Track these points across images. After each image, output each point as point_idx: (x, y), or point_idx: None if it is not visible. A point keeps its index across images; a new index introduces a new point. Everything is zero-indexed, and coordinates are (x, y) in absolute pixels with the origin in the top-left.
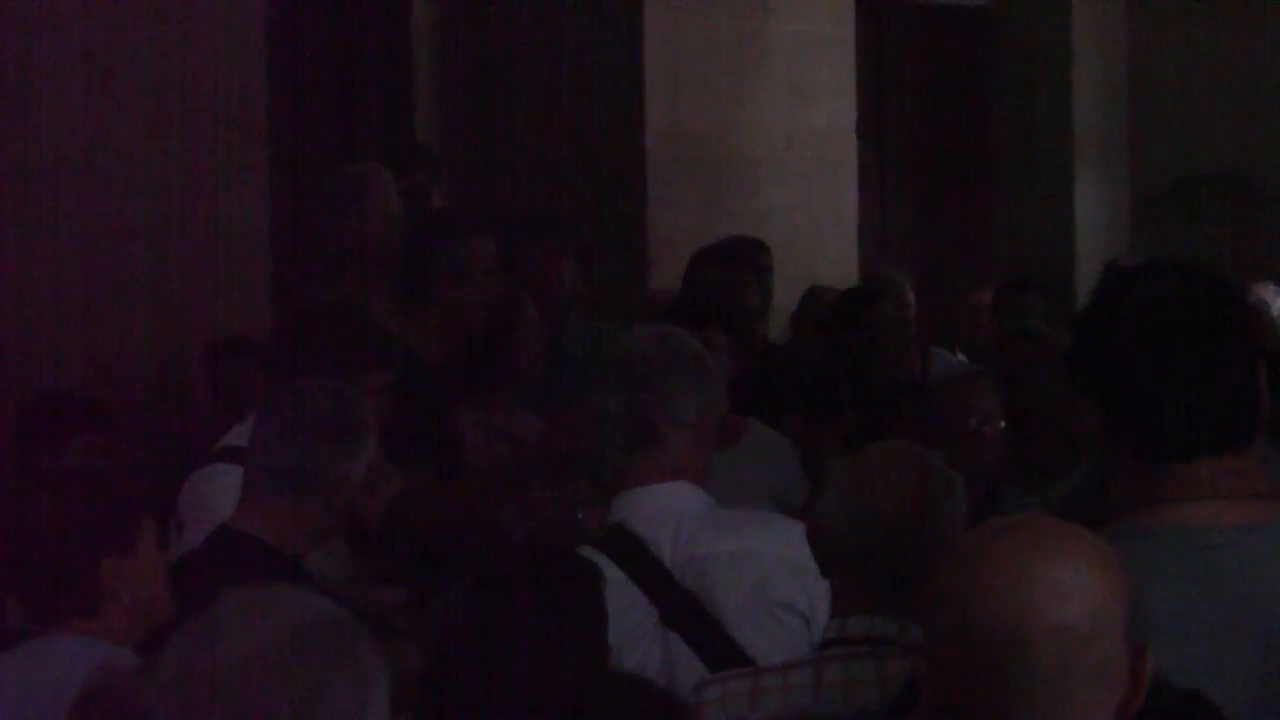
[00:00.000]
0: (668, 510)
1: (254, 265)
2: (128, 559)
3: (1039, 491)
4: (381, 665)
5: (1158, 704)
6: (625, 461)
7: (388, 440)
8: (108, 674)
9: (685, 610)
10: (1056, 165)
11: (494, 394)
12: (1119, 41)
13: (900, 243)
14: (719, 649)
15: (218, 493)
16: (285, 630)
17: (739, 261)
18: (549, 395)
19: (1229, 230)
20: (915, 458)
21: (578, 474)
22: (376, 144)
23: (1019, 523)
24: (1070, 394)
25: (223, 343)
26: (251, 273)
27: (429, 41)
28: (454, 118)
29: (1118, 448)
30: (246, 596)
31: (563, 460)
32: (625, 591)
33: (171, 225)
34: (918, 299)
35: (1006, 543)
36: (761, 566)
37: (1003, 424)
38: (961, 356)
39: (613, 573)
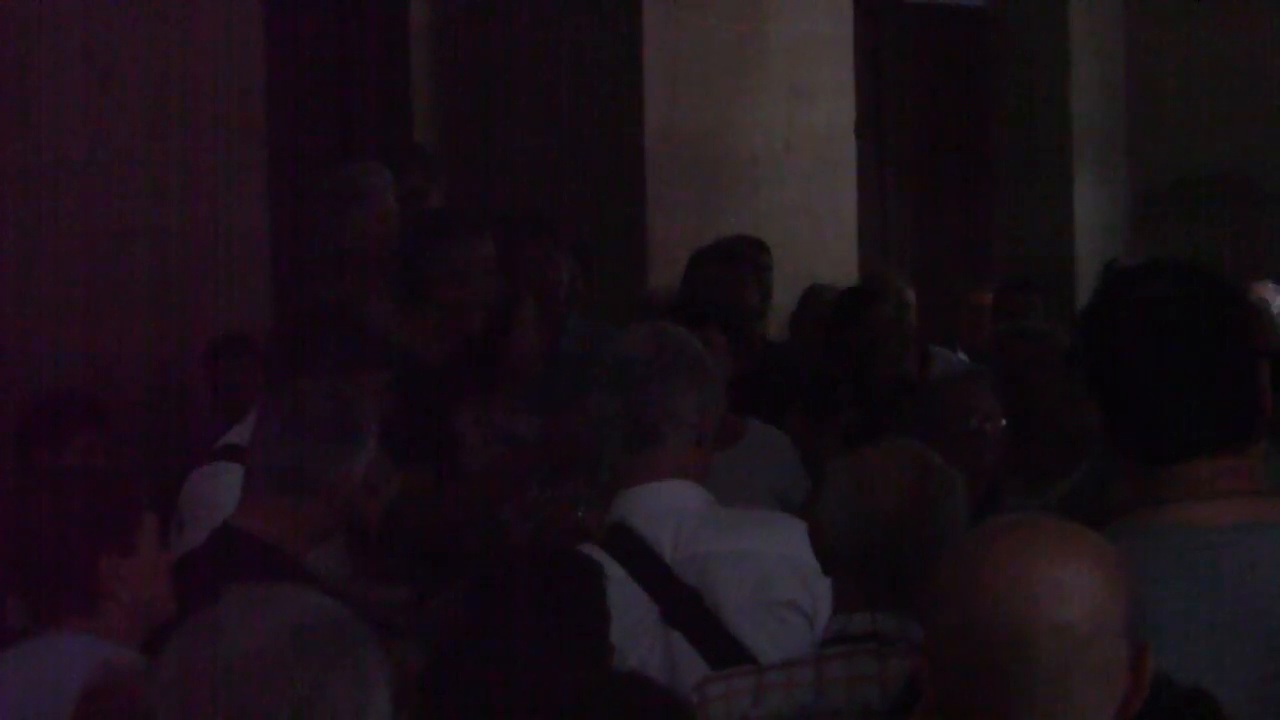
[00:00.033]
0: (668, 508)
1: (253, 265)
2: (127, 559)
3: (1039, 491)
4: (382, 664)
5: (1159, 703)
6: (624, 461)
7: (387, 440)
8: (110, 673)
9: (687, 608)
10: (1055, 165)
11: (493, 394)
12: (1118, 41)
13: (899, 243)
14: (721, 647)
15: (219, 491)
16: (286, 629)
17: (738, 261)
18: (549, 395)
19: (1229, 230)
20: (916, 456)
21: (577, 473)
22: (375, 144)
23: (1019, 522)
24: (1070, 394)
25: (222, 342)
26: (251, 273)
27: (427, 42)
28: (452, 118)
29: (1119, 448)
30: (248, 595)
31: (562, 459)
32: (626, 590)
33: (171, 225)
34: (917, 299)
35: (1007, 542)
36: (763, 565)
37: (1003, 423)
38: (962, 355)
39: (614, 571)
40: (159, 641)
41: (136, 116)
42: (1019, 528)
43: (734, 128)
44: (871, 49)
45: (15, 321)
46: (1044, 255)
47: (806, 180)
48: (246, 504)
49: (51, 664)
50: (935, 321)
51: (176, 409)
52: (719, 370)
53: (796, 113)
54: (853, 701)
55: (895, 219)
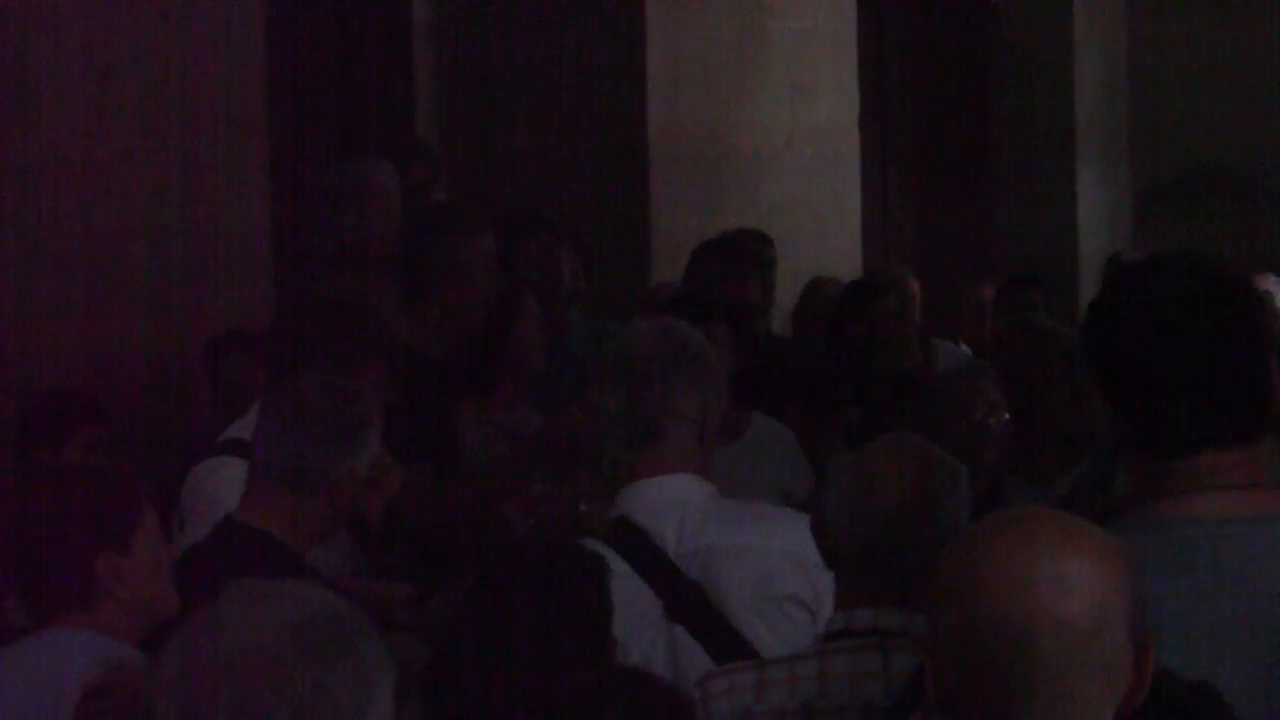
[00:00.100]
0: (672, 502)
1: (254, 264)
2: (125, 557)
3: (1042, 485)
4: (385, 660)
5: (1162, 696)
6: (627, 456)
7: (388, 437)
8: (112, 670)
9: (690, 603)
10: (1058, 161)
11: (495, 391)
12: (1120, 38)
13: (901, 239)
14: (724, 641)
15: (220, 486)
16: (288, 625)
17: (741, 255)
18: (552, 392)
19: (1230, 226)
20: (919, 451)
21: (579, 469)
22: (376, 143)
23: (1022, 516)
24: (1073, 389)
25: (223, 339)
26: (252, 272)
27: (429, 40)
28: (454, 116)
29: (1126, 441)
30: (250, 590)
31: (564, 455)
32: (630, 584)
33: (171, 225)
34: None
35: (1009, 537)
36: (766, 560)
37: (1006, 417)
38: (965, 349)
39: (617, 565)
40: (161, 639)
41: (136, 115)
42: (1021, 522)
43: (736, 124)
44: (874, 45)
45: (15, 320)
46: (1046, 251)
47: (809, 176)
48: (249, 500)
49: (50, 661)
50: (938, 317)
51: (177, 408)
52: (722, 365)
53: (799, 109)
54: (856, 697)
55: (898, 215)
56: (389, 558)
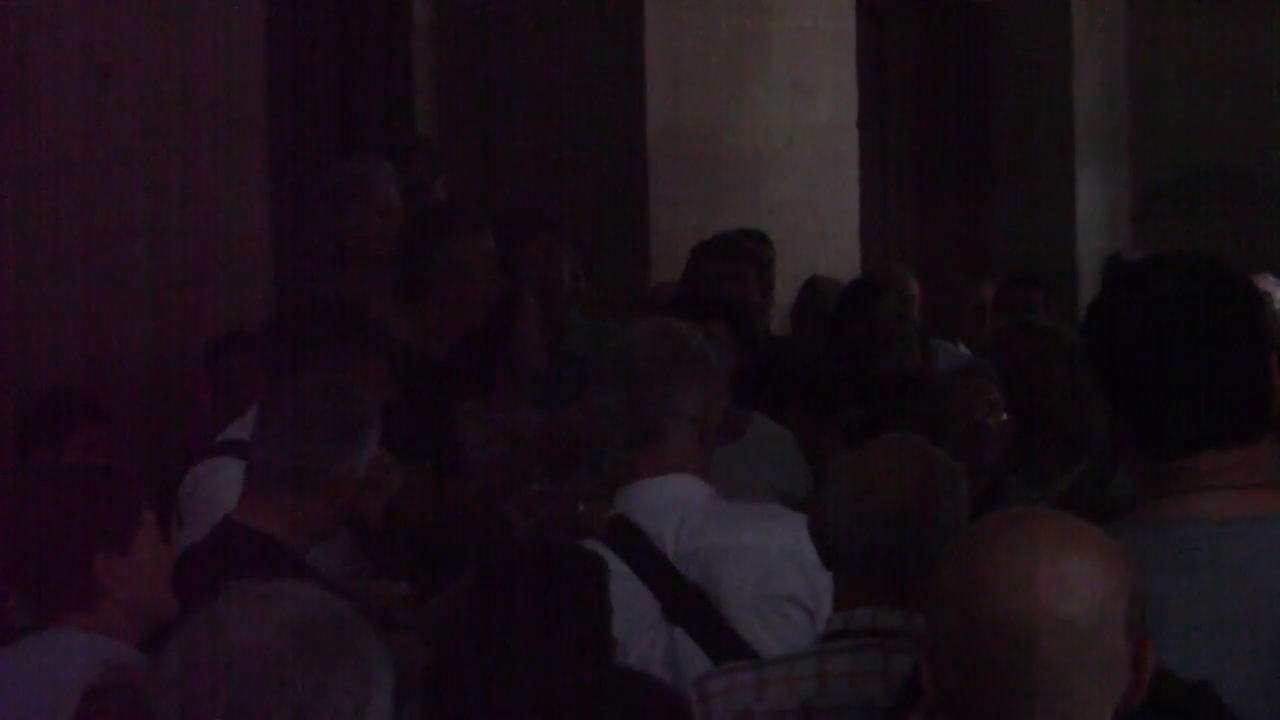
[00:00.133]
0: (671, 503)
1: (254, 265)
2: (124, 556)
3: (1042, 486)
4: (385, 660)
5: (1162, 697)
6: (627, 456)
7: (388, 436)
8: (113, 670)
9: (689, 603)
10: (1057, 161)
11: (494, 390)
12: (1119, 38)
13: (901, 238)
14: (723, 642)
15: (220, 486)
16: (287, 625)
17: (740, 254)
18: (552, 391)
19: (1230, 226)
20: (918, 451)
21: (579, 468)
22: (376, 143)
23: (1021, 516)
24: (1073, 389)
25: (222, 338)
26: (252, 272)
27: (429, 40)
28: (454, 116)
29: (1126, 441)
30: (249, 590)
31: (564, 455)
32: (629, 585)
33: (171, 225)
34: (919, 294)
35: (1009, 537)
36: (765, 560)
37: (1005, 417)
38: (964, 349)
39: (616, 566)
40: (160, 639)
41: (136, 115)
42: (1020, 522)
43: (736, 124)
44: (873, 45)
45: (14, 321)
46: (1046, 251)
47: (808, 176)
48: (248, 499)
49: (50, 661)
50: (937, 317)
51: (176, 408)
52: (721, 365)
53: (798, 109)
54: (855, 697)
55: (897, 215)
56: (388, 557)
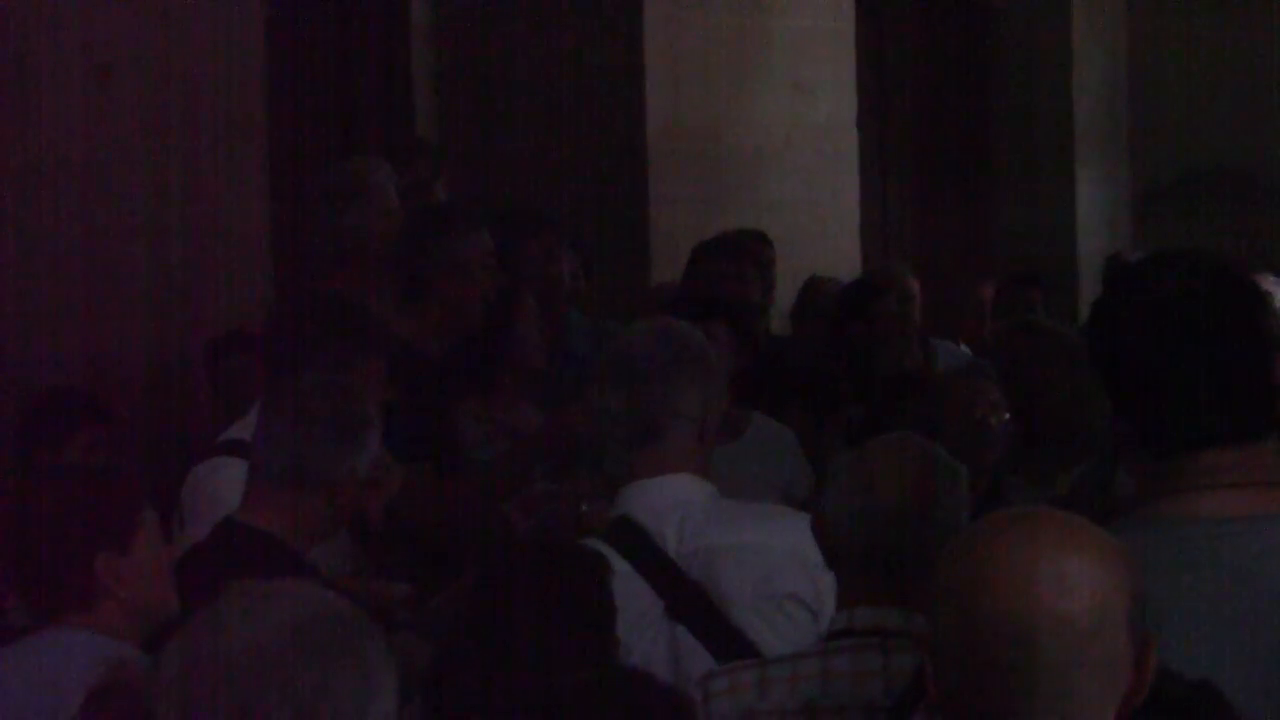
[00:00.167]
0: (673, 502)
1: (254, 265)
2: (124, 556)
3: (1043, 485)
4: (387, 660)
5: (1163, 696)
6: (628, 456)
7: (388, 436)
8: (116, 671)
9: (692, 602)
10: (1058, 161)
11: (494, 389)
12: (1120, 37)
13: (901, 238)
14: (726, 641)
15: (221, 486)
16: (288, 624)
17: (740, 254)
18: (552, 391)
19: (1230, 226)
20: (919, 450)
21: (580, 468)
22: (376, 143)
23: (1022, 515)
24: (1073, 388)
25: (223, 338)
26: (251, 272)
27: (428, 40)
28: (454, 116)
29: (1130, 439)
30: (250, 590)
31: (565, 454)
32: (631, 584)
33: (171, 225)
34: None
35: (1010, 536)
36: (768, 559)
37: (1006, 417)
38: (964, 349)
39: (619, 565)
40: (162, 640)
41: (136, 116)
42: (1021, 521)
43: (736, 123)
44: (873, 44)
45: (14, 321)
46: (1046, 251)
47: (808, 175)
48: (250, 499)
49: (50, 661)
50: (937, 316)
51: (177, 408)
52: (722, 364)
53: (798, 108)
54: (857, 696)
55: (897, 214)
56: (388, 557)
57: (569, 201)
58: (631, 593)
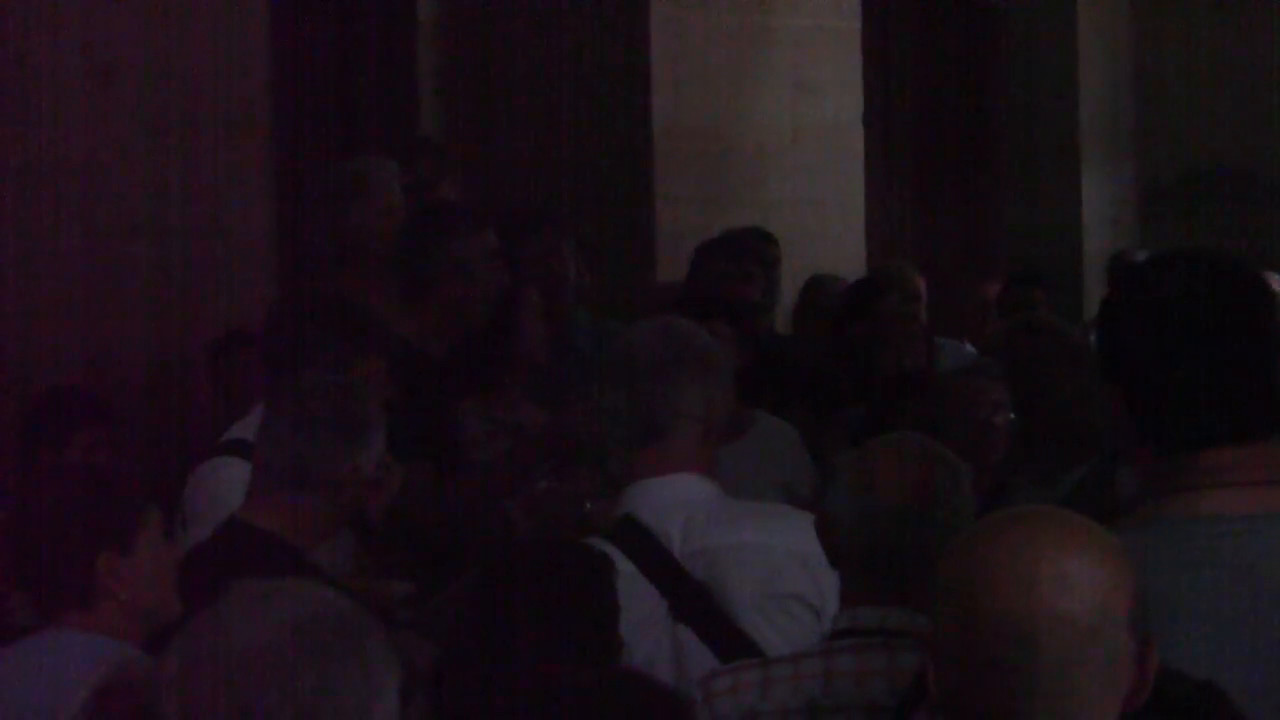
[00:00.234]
0: (677, 501)
1: (255, 264)
2: (126, 556)
3: (1046, 484)
4: (390, 659)
5: (1166, 695)
6: (632, 455)
7: (390, 435)
8: (121, 669)
9: (695, 602)
10: (1061, 160)
11: (497, 388)
12: (1124, 36)
13: (906, 236)
14: (729, 640)
15: (223, 486)
16: (289, 624)
17: (744, 253)
18: (556, 390)
19: (1234, 226)
20: (922, 450)
21: (584, 467)
22: (379, 143)
23: (1024, 514)
24: (1077, 387)
25: (225, 338)
26: (253, 272)
27: (433, 39)
28: (458, 115)
29: (1138, 436)
30: (252, 590)
31: (568, 453)
32: (635, 584)
33: (172, 224)
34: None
35: (1011, 536)
36: (771, 559)
37: (1011, 416)
38: (969, 348)
39: (623, 565)
40: (164, 640)
41: (137, 115)
42: (1023, 521)
43: (740, 121)
44: (878, 43)
45: (15, 321)
46: (1050, 250)
47: (813, 173)
48: (253, 499)
49: (50, 661)
50: (941, 315)
51: (177, 408)
52: (726, 363)
53: (802, 107)
54: (860, 696)
55: (901, 212)
56: (390, 556)
57: (573, 200)
58: (635, 593)
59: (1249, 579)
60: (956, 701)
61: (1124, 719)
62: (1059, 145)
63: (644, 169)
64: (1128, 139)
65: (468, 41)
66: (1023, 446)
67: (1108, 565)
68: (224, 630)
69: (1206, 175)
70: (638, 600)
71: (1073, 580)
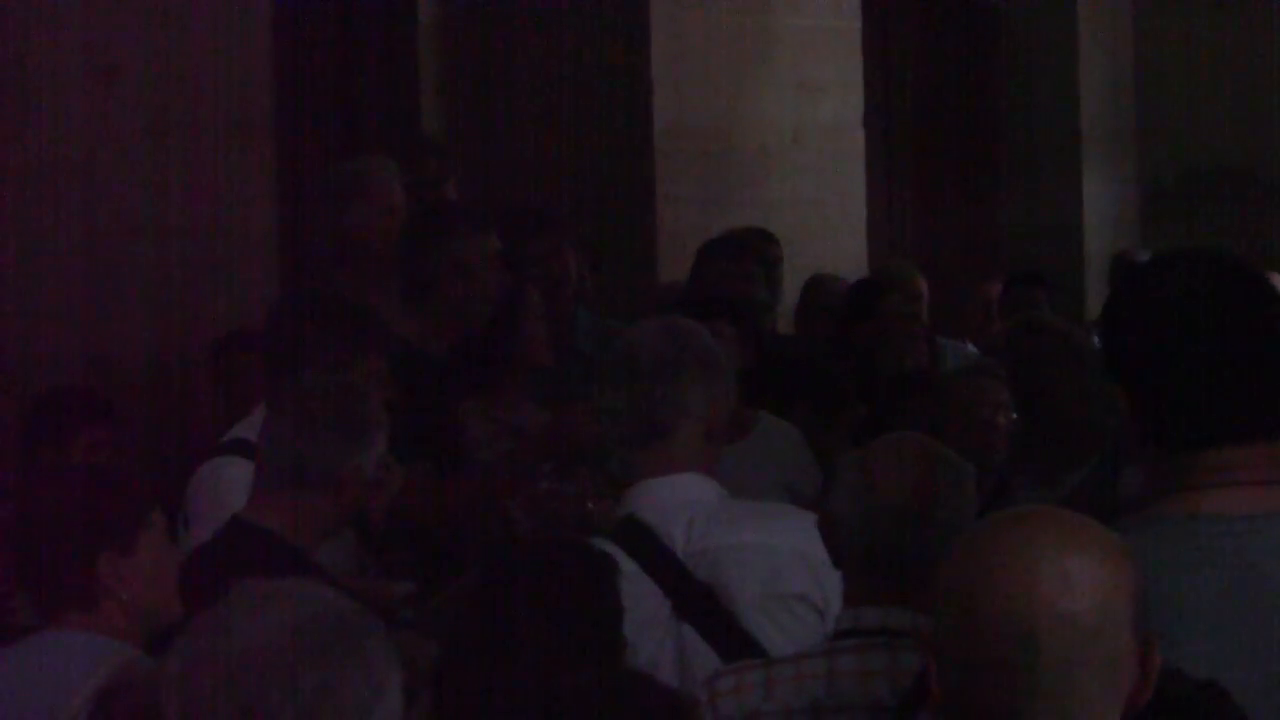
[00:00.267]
0: (680, 501)
1: (257, 265)
2: (127, 557)
3: (1050, 484)
4: (392, 659)
5: (1169, 695)
6: (634, 455)
7: (391, 435)
8: (124, 670)
9: (699, 602)
10: (1063, 160)
11: (499, 388)
12: (1125, 35)
13: (907, 236)
14: (733, 640)
15: (225, 486)
16: (289, 625)
17: (745, 253)
18: (559, 390)
19: (1235, 225)
20: (925, 450)
21: (586, 466)
22: (380, 143)
23: (1025, 515)
24: (1080, 387)
25: (225, 337)
26: (255, 272)
27: (435, 39)
28: (459, 115)
29: (1144, 435)
30: (254, 590)
31: (570, 453)
32: (639, 584)
33: (173, 225)
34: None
35: (1013, 534)
36: (774, 559)
37: (1014, 416)
38: (971, 348)
39: (626, 565)
40: (166, 641)
41: (139, 115)
42: (1025, 520)
43: (742, 122)
44: (879, 43)
45: (15, 321)
46: (1051, 249)
47: (815, 174)
48: (256, 498)
49: (50, 661)
50: (942, 315)
51: (177, 408)
52: (729, 363)
53: (804, 107)
54: (863, 696)
55: (903, 213)
56: (391, 556)
57: (573, 201)
58: (639, 593)
59: (1250, 578)
60: (958, 701)
61: (1126, 719)
62: (1060, 145)
63: (645, 169)
64: (1129, 139)
65: (468, 42)
66: (1025, 447)
67: (1109, 565)
68: (225, 630)
69: (1206, 175)
70: (641, 600)
71: (1074, 580)
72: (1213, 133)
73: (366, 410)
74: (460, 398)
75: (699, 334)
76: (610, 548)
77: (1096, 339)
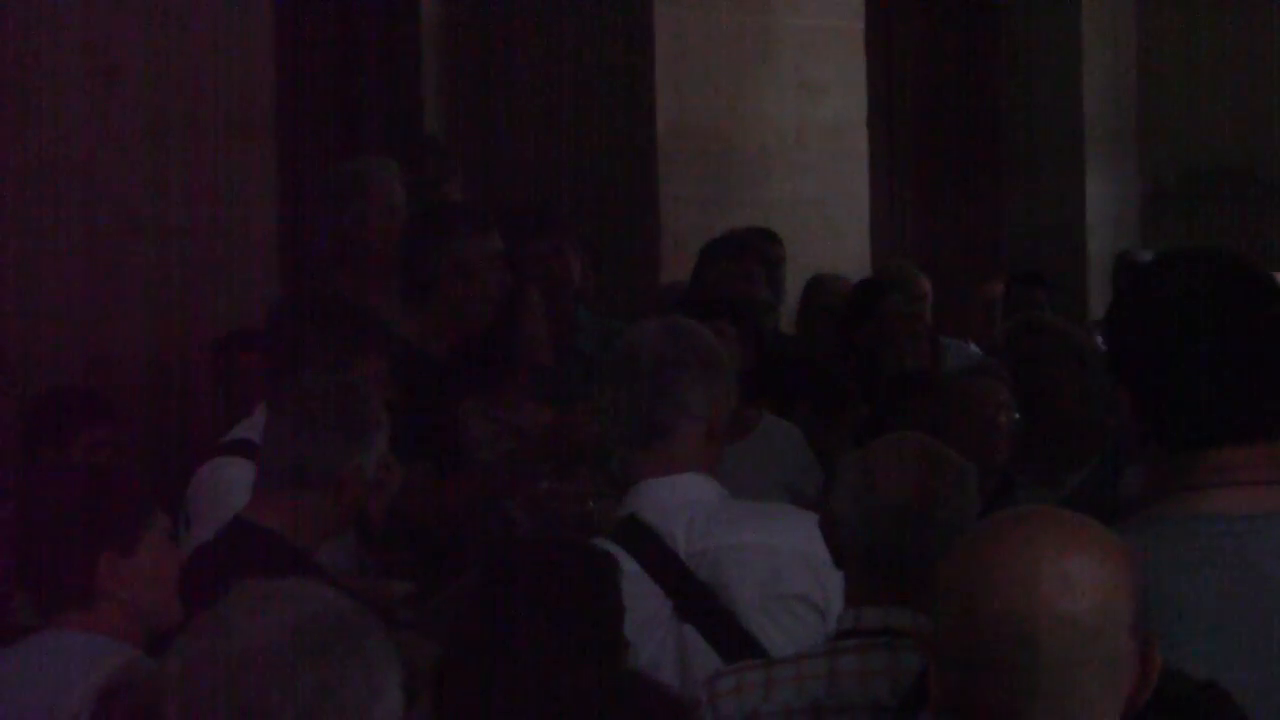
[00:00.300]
0: (681, 501)
1: (257, 265)
2: (127, 557)
3: (1051, 484)
4: (392, 659)
5: (1169, 695)
6: (636, 455)
7: (392, 435)
8: (127, 670)
9: (700, 602)
10: (1064, 160)
11: (500, 388)
12: (1128, 35)
13: (909, 236)
14: (734, 641)
15: (226, 486)
16: (289, 625)
17: (747, 253)
18: (560, 390)
19: (1235, 224)
20: (926, 450)
21: (587, 466)
22: (382, 143)
23: (1026, 515)
24: (1082, 387)
25: (225, 337)
26: (256, 272)
27: (437, 39)
28: (462, 115)
29: (1147, 435)
30: (255, 590)
31: (570, 453)
32: (640, 584)
33: (174, 225)
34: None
35: (1014, 534)
36: (776, 559)
37: (1015, 415)
38: (974, 347)
39: (627, 565)
40: (166, 642)
41: (139, 116)
42: (1025, 520)
43: (744, 122)
44: (881, 43)
45: (15, 321)
46: (1053, 249)
47: (817, 173)
48: (257, 498)
49: (51, 660)
50: (945, 315)
51: (178, 408)
52: (731, 363)
53: (806, 106)
54: (864, 696)
55: (904, 212)
56: (391, 556)
57: (575, 201)
58: (640, 593)
59: (1251, 579)
60: (958, 702)
61: (1126, 719)
62: (1061, 144)
63: (647, 169)
64: (1130, 138)
65: (470, 42)
66: (1027, 447)
67: (1109, 565)
68: (225, 630)
69: (1207, 175)
70: (642, 600)
71: (1074, 580)
72: (1213, 133)
73: (367, 410)
74: (460, 398)
75: (700, 334)
76: (611, 548)
77: (1099, 339)
